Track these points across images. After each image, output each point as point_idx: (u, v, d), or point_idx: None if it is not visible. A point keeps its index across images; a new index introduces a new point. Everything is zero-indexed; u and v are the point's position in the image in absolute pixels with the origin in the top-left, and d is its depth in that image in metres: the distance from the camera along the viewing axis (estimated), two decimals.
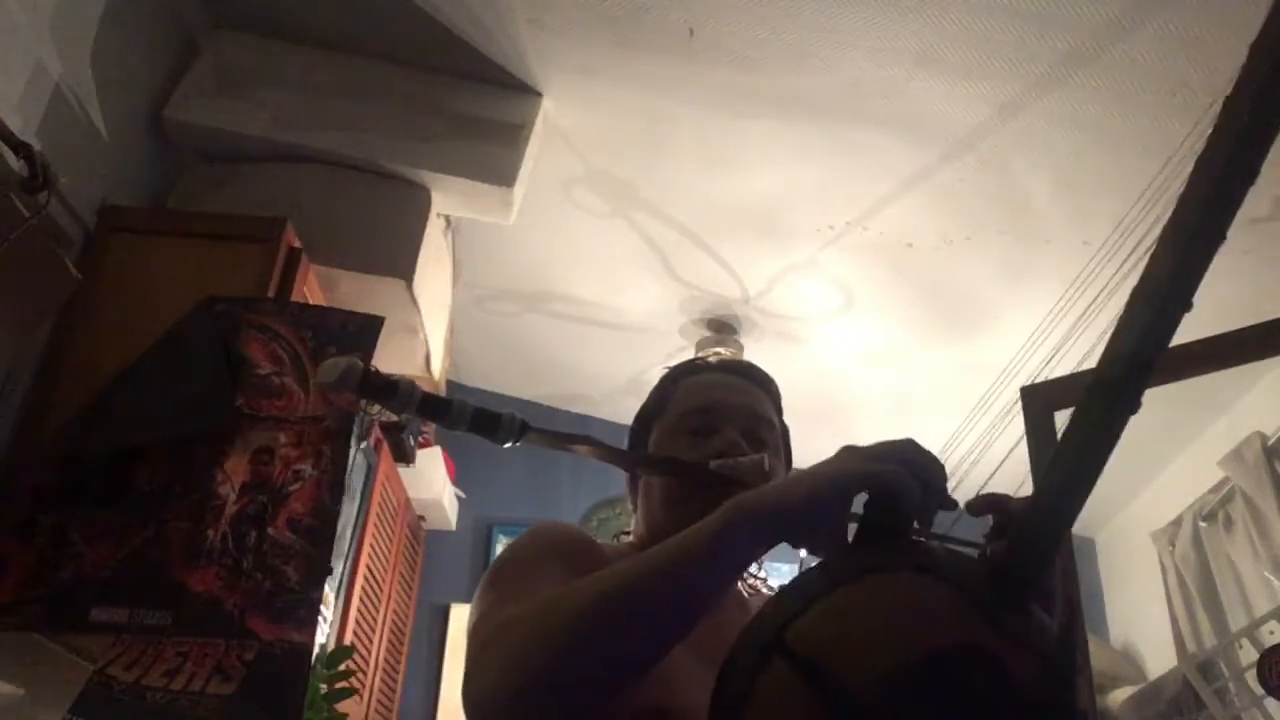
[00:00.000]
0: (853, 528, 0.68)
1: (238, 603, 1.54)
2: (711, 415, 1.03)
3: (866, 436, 0.70)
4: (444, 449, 3.32)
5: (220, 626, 1.52)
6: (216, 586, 1.55)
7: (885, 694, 0.55)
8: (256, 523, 1.61)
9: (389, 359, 2.41)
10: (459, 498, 3.53)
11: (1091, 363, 0.55)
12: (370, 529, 2.79)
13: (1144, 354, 0.52)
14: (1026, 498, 0.64)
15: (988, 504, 0.69)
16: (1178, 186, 0.50)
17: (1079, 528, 2.00)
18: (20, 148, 1.60)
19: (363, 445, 2.67)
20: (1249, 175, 0.49)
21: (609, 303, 3.18)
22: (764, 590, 1.09)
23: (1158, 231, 0.51)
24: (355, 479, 2.65)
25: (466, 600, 2.89)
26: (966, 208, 2.49)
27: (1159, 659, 3.20)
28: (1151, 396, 0.54)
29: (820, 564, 0.65)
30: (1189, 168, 0.50)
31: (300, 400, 1.73)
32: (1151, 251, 0.51)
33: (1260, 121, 0.48)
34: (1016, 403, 1.91)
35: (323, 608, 1.96)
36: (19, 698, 1.68)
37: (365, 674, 2.77)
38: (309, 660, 1.53)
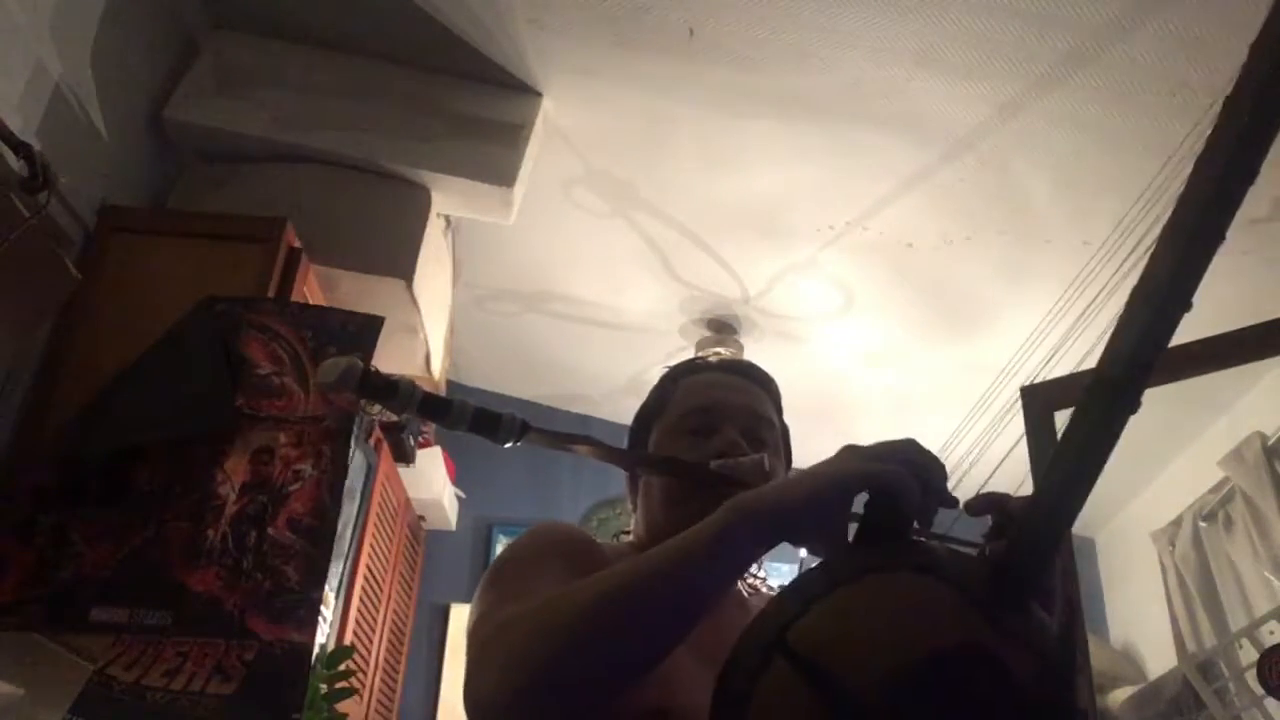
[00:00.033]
0: (853, 527, 0.68)
1: (238, 603, 1.54)
2: (711, 415, 1.03)
3: (866, 436, 0.70)
4: (444, 449, 3.32)
5: (220, 626, 1.52)
6: (216, 586, 1.55)
7: (886, 694, 0.55)
8: (256, 523, 1.61)
9: (389, 359, 2.41)
10: (459, 498, 3.53)
11: (1091, 362, 0.55)
12: (370, 529, 2.79)
13: (1144, 354, 0.52)
14: (1026, 497, 0.64)
15: (987, 503, 0.69)
16: (1177, 186, 0.50)
17: (1079, 528, 2.00)
18: (20, 148, 1.60)
19: (362, 444, 2.67)
20: (1248, 175, 0.49)
21: (609, 303, 3.18)
22: (764, 590, 1.08)
23: (1157, 231, 0.51)
24: (355, 479, 2.65)
25: (466, 600, 2.89)
26: (966, 208, 2.49)
27: (1159, 659, 3.20)
28: (1151, 396, 0.54)
29: (821, 564, 0.65)
30: (1189, 168, 0.51)
31: (300, 400, 1.73)
32: (1151, 251, 0.51)
33: (1260, 121, 0.48)
34: (1016, 402, 1.91)
35: (323, 608, 1.96)
36: (19, 698, 1.68)
37: (365, 674, 2.77)
38: (309, 660, 1.53)
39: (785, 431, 1.11)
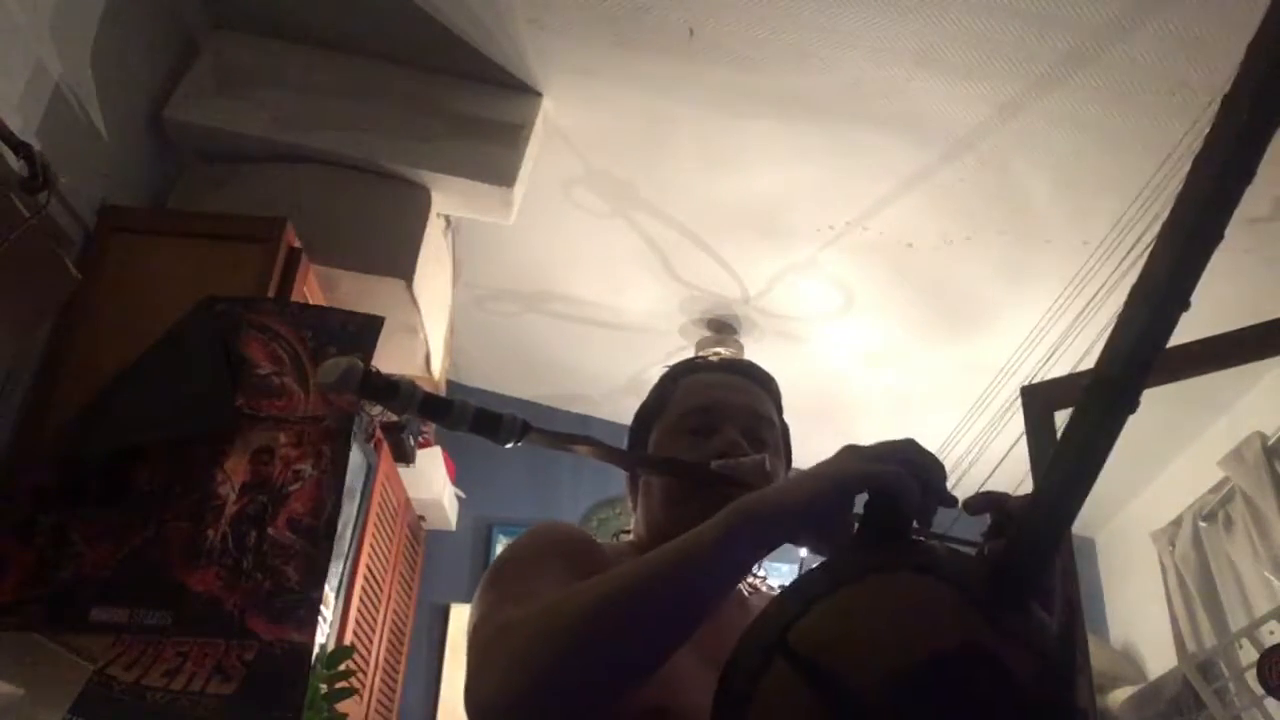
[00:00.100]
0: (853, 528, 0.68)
1: (238, 603, 1.54)
2: (712, 415, 1.03)
3: (866, 436, 0.70)
4: (444, 449, 3.32)
5: (220, 626, 1.52)
6: (216, 586, 1.55)
7: (887, 694, 0.55)
8: (256, 523, 1.61)
9: (389, 359, 2.41)
10: (459, 498, 3.53)
11: (1090, 361, 0.56)
12: (370, 529, 2.79)
13: (1142, 353, 0.52)
14: (1025, 496, 0.64)
15: (986, 502, 0.69)
16: (1176, 185, 0.50)
17: (1079, 528, 2.00)
18: (20, 148, 1.60)
19: (362, 444, 2.67)
20: (1247, 174, 0.49)
21: (609, 303, 3.18)
22: (764, 590, 1.08)
23: (1156, 230, 0.51)
24: (355, 479, 2.65)
25: (466, 600, 2.89)
26: (966, 208, 2.49)
27: (1159, 659, 3.20)
28: (1151, 396, 0.54)
29: (822, 564, 0.65)
30: (1188, 167, 0.51)
31: (300, 400, 1.73)
32: (1150, 250, 0.51)
33: (1258, 120, 0.48)
34: (1015, 401, 1.91)
35: (323, 608, 1.96)
36: (19, 698, 1.68)
37: (365, 674, 2.77)
38: (309, 660, 1.53)
39: (786, 431, 1.11)
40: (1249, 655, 2.34)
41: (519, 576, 0.87)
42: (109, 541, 1.59)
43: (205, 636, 1.52)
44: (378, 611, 2.92)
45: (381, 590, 2.95)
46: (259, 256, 1.93)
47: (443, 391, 2.91)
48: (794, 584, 0.64)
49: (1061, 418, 1.54)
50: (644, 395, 1.13)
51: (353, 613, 2.63)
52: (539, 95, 2.40)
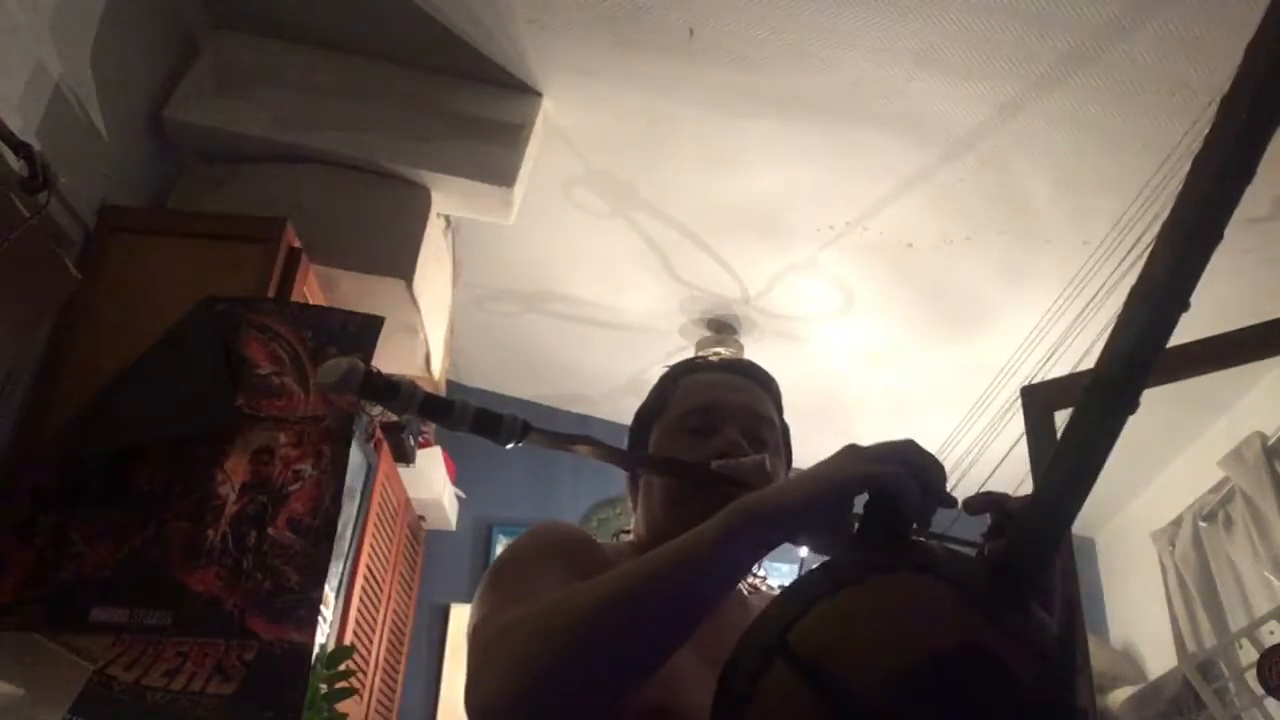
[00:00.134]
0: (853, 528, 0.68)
1: (238, 603, 1.54)
2: (712, 414, 1.03)
3: (866, 436, 0.70)
4: (444, 449, 3.32)
5: (220, 626, 1.52)
6: (216, 586, 1.55)
7: (888, 696, 0.55)
8: (256, 523, 1.61)
9: (389, 359, 2.41)
10: (459, 498, 3.53)
11: (1091, 361, 0.56)
12: (370, 529, 2.79)
13: (1142, 354, 0.52)
14: (1024, 496, 0.64)
15: (985, 503, 0.69)
16: (1176, 185, 0.50)
17: (1079, 528, 2.00)
18: (20, 148, 1.60)
19: (362, 444, 2.67)
20: (1246, 174, 0.49)
21: (609, 303, 3.18)
22: (764, 589, 1.09)
23: (1156, 229, 0.51)
24: (355, 479, 2.65)
25: (466, 600, 2.89)
26: (966, 208, 2.49)
27: (1159, 659, 3.20)
28: (1151, 396, 0.54)
29: (822, 565, 0.65)
30: (1188, 166, 0.51)
31: (300, 400, 1.73)
32: (1150, 250, 0.51)
33: (1257, 120, 0.48)
34: (1015, 402, 1.91)
35: (323, 608, 1.96)
36: (19, 698, 1.68)
37: (365, 674, 2.77)
38: (309, 660, 1.53)
39: (786, 431, 1.11)
40: (1249, 655, 2.34)
41: (519, 577, 0.87)
42: (109, 541, 1.59)
43: (205, 636, 1.52)
44: (378, 611, 2.92)
45: (381, 590, 2.96)
46: (259, 256, 1.93)
47: (443, 391, 2.91)
48: (794, 584, 0.64)
49: (1061, 418, 1.54)
50: (644, 395, 1.13)
51: (353, 613, 2.63)
52: (539, 95, 2.40)
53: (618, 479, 1.13)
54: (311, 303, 2.04)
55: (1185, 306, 0.51)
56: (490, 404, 0.84)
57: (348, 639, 2.58)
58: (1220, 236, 0.50)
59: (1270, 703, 2.19)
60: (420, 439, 3.12)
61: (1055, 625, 0.62)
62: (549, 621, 0.71)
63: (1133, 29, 1.89)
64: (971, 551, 0.68)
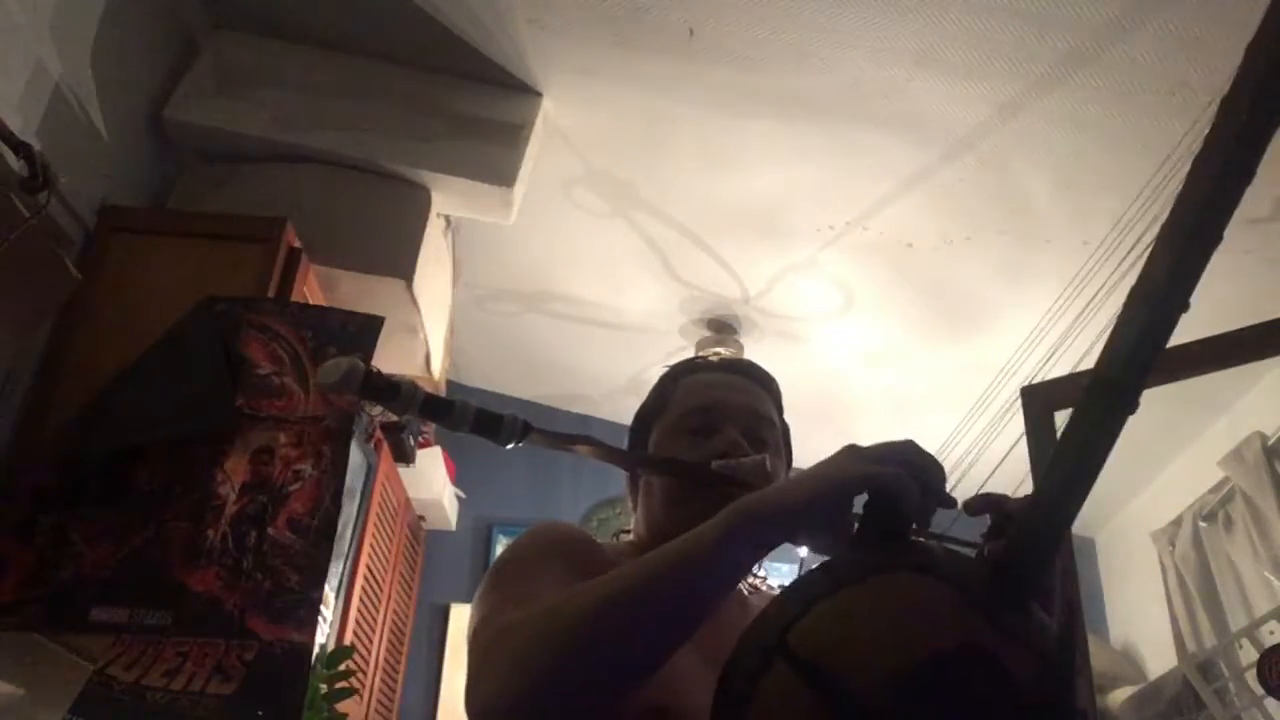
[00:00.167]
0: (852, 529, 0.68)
1: (238, 603, 1.54)
2: (712, 414, 1.03)
3: (866, 436, 0.70)
4: (444, 449, 3.32)
5: (220, 626, 1.52)
6: (216, 586, 1.55)
7: (888, 696, 0.55)
8: (256, 523, 1.61)
9: (389, 359, 2.41)
10: (459, 498, 3.53)
11: (1091, 361, 0.56)
12: (370, 529, 2.79)
13: (1142, 354, 0.52)
14: (1024, 497, 0.64)
15: (985, 504, 0.69)
16: (1176, 185, 0.50)
17: (1079, 528, 2.00)
18: (20, 148, 1.60)
19: (362, 444, 2.67)
20: (1246, 174, 0.49)
21: (609, 303, 3.18)
22: (764, 589, 1.08)
23: (1156, 230, 0.51)
24: (355, 479, 2.65)
25: (466, 600, 2.89)
26: (966, 208, 2.49)
27: (1159, 659, 3.20)
28: (1151, 396, 0.54)
29: (821, 565, 0.66)
30: (1188, 167, 0.51)
31: (300, 400, 1.73)
32: (1149, 251, 0.51)
33: (1257, 121, 0.48)
34: (1015, 402, 1.91)
35: (323, 608, 1.96)
36: (19, 698, 1.68)
37: (365, 674, 2.77)
38: (309, 660, 1.53)
39: (786, 431, 1.11)
40: (1249, 655, 2.34)
41: (519, 578, 0.87)
42: (109, 541, 1.59)
43: (205, 636, 1.52)
44: (378, 611, 2.92)
45: (381, 590, 2.96)
46: (259, 256, 1.93)
47: (443, 391, 2.91)
48: (794, 584, 0.64)
49: (1061, 418, 1.54)
50: (644, 395, 1.13)
51: (353, 613, 2.64)
52: (539, 95, 2.40)
53: (618, 479, 1.13)
54: (311, 303, 2.04)
55: (1185, 307, 0.51)
56: (490, 404, 0.84)
57: (348, 639, 2.58)
58: (1220, 237, 0.50)
59: (1270, 703, 2.19)
60: (420, 439, 3.12)
61: (1055, 625, 0.62)
62: (549, 623, 0.71)
63: (1133, 29, 1.89)
64: (971, 552, 0.68)
